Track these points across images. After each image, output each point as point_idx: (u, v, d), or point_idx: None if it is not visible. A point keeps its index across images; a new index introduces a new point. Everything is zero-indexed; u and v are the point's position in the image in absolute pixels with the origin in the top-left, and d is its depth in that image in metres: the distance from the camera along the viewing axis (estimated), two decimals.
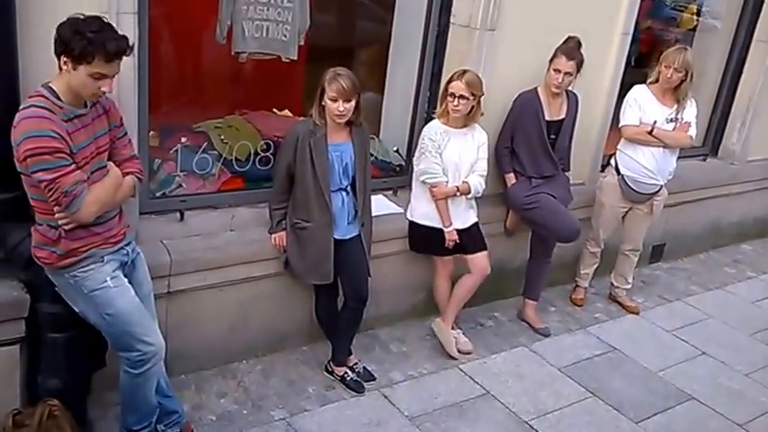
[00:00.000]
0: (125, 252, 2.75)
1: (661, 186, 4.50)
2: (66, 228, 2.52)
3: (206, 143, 3.70)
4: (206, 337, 3.50)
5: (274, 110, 4.33)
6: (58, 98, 2.45)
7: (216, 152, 3.75)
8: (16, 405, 2.84)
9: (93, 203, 2.51)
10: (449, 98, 3.70)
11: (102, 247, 2.64)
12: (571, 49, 3.99)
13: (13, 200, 2.63)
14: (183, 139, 3.65)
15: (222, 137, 3.86)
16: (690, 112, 4.42)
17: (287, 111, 4.37)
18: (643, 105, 4.37)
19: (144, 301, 2.77)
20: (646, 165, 4.38)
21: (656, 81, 4.37)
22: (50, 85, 2.48)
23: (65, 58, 2.40)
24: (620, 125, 4.45)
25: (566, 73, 3.98)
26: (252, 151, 3.79)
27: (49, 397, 2.77)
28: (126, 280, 2.71)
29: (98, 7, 2.70)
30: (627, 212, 4.64)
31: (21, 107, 2.44)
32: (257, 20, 3.71)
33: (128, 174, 2.69)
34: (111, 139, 2.66)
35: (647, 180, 4.43)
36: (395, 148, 4.36)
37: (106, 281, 2.63)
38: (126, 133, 2.74)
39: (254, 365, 3.70)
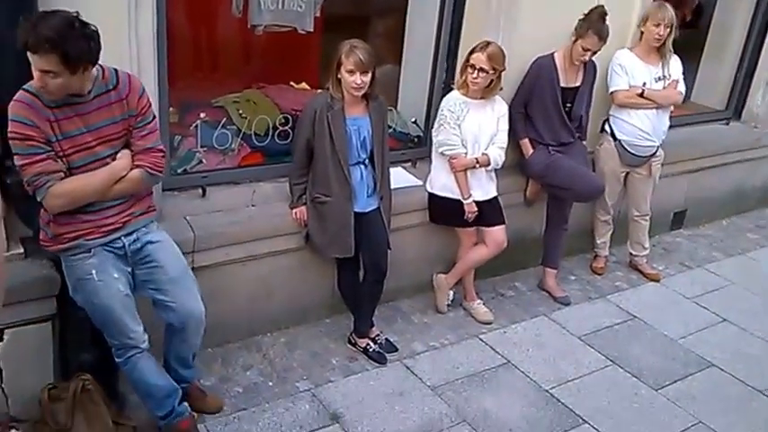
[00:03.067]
0: (119, 244, 2.68)
1: (658, 147, 4.49)
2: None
3: (225, 118, 3.71)
4: (230, 311, 3.56)
5: (291, 83, 4.33)
6: None
7: (235, 127, 3.76)
8: (51, 380, 2.94)
9: (58, 196, 2.47)
10: (469, 70, 3.67)
11: (89, 237, 2.61)
12: (603, 27, 3.93)
13: None
14: (202, 115, 3.66)
15: (241, 111, 3.87)
16: (675, 67, 4.42)
17: (304, 83, 4.37)
18: (629, 69, 4.33)
19: (175, 283, 2.77)
20: (641, 127, 4.37)
21: (640, 41, 4.34)
22: None
23: None
24: (609, 92, 4.41)
25: (594, 51, 3.96)
26: (270, 126, 3.80)
27: (81, 372, 2.87)
28: (115, 273, 2.65)
29: None
30: (626, 177, 4.62)
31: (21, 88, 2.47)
32: None
33: (138, 166, 2.63)
34: (127, 128, 2.62)
35: (644, 142, 4.42)
36: (413, 120, 4.34)
37: (91, 273, 2.62)
38: (148, 122, 2.66)
39: (278, 338, 3.76)
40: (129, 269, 2.73)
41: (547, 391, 3.57)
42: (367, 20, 4.70)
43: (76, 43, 2.31)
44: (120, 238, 2.67)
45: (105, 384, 2.92)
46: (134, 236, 2.72)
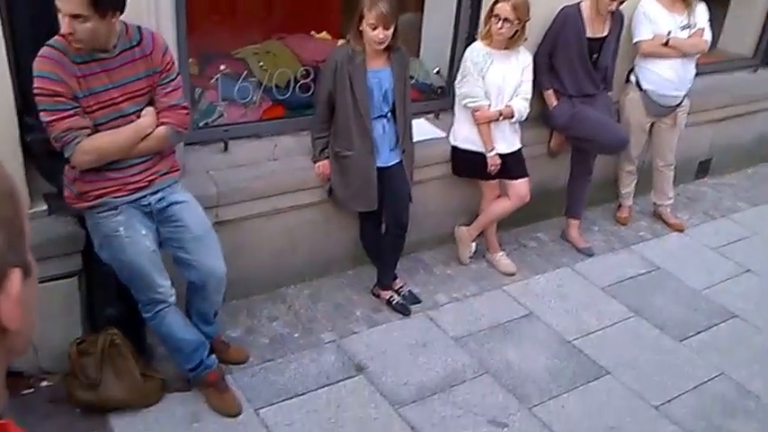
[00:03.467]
0: (146, 202, 2.69)
1: (684, 97, 4.39)
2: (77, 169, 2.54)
3: (246, 71, 3.67)
4: (255, 264, 3.59)
5: (312, 32, 4.26)
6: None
7: (256, 80, 3.72)
8: (79, 334, 3.00)
9: (86, 152, 2.47)
10: (493, 20, 3.58)
11: (115, 195, 2.61)
12: None
13: None
14: (222, 67, 3.62)
15: (261, 63, 3.82)
16: (701, 15, 4.28)
17: (325, 33, 4.29)
18: (654, 18, 4.20)
19: (198, 242, 2.78)
20: (667, 77, 4.27)
21: None
22: None
23: None
24: (633, 41, 4.29)
25: (621, 1, 3.84)
26: (292, 78, 3.75)
27: (109, 326, 2.92)
28: (143, 230, 2.66)
29: None
30: (651, 127, 4.54)
31: (45, 44, 2.44)
32: None
33: (163, 123, 2.62)
34: (151, 85, 2.60)
35: (671, 92, 4.33)
36: (436, 70, 4.27)
37: (119, 230, 2.62)
38: (172, 79, 2.64)
39: (302, 290, 3.80)
40: (155, 226, 2.74)
41: (569, 342, 3.59)
42: None
43: None
44: (146, 196, 2.68)
45: (132, 338, 2.97)
46: (159, 195, 2.72)
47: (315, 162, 3.52)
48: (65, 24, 2.32)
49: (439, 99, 4.22)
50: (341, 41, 4.16)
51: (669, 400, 3.25)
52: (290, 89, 3.75)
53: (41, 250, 2.71)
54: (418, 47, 4.38)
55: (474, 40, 3.88)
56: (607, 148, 4.27)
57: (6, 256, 0.68)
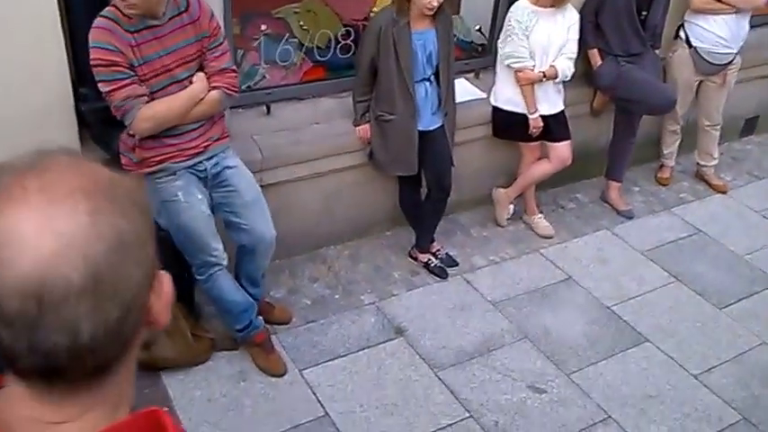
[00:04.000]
0: (202, 167, 2.75)
1: (735, 55, 4.24)
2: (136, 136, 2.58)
3: (287, 33, 3.64)
4: (295, 226, 3.63)
5: None
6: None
7: (296, 40, 3.69)
8: None
9: (146, 120, 2.51)
10: None
11: (175, 160, 2.67)
12: None
13: None
14: (263, 27, 3.60)
15: (301, 23, 3.78)
16: None
17: None
18: None
19: (249, 207, 2.85)
20: (719, 34, 4.11)
21: None
22: None
23: None
24: None
25: None
26: (332, 38, 3.71)
27: None
28: (199, 195, 2.73)
29: None
30: (699, 85, 4.41)
31: (98, 15, 2.46)
32: None
33: (215, 88, 2.65)
34: (201, 50, 2.62)
35: (722, 50, 4.17)
36: (477, 27, 4.18)
37: (177, 195, 2.68)
38: (220, 44, 2.66)
39: (342, 251, 3.85)
40: (208, 191, 2.81)
41: (608, 307, 3.60)
42: None
43: None
44: (202, 161, 2.75)
45: (183, 300, 3.06)
46: (214, 160, 2.78)
47: (356, 125, 3.51)
48: None
49: (480, 57, 4.15)
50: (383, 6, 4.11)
51: (709, 369, 3.27)
52: (331, 50, 3.71)
53: None
54: (458, 3, 4.28)
55: None
56: (654, 110, 4.18)
57: (155, 260, 0.74)
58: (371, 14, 3.92)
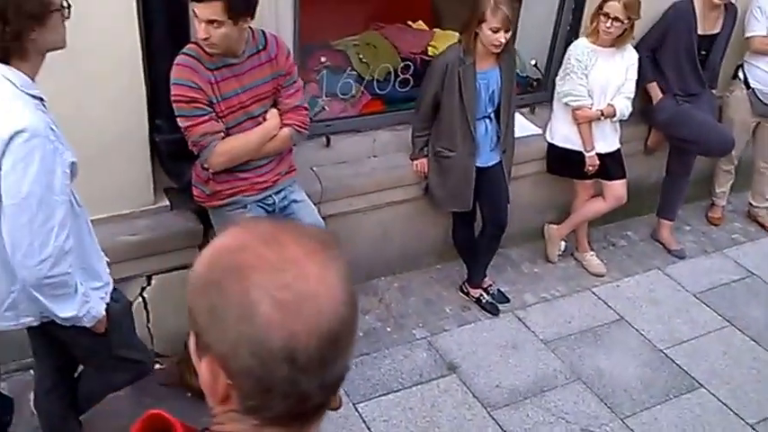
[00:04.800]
0: (271, 201, 2.81)
1: None
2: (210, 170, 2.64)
3: (349, 67, 3.68)
4: (349, 256, 3.64)
5: (408, 22, 4.23)
6: None
7: (356, 73, 3.73)
8: None
9: (221, 155, 2.58)
10: (601, 18, 3.49)
11: (246, 194, 2.74)
12: None
13: None
14: (323, 59, 3.65)
15: (361, 56, 3.82)
16: None
17: (420, 22, 4.25)
18: None
19: None
20: None
21: None
22: None
23: None
24: (745, 36, 4.10)
25: None
26: (392, 71, 3.74)
27: None
28: None
29: None
30: (756, 127, 4.37)
31: (179, 52, 2.54)
32: None
33: (287, 125, 2.71)
34: (276, 88, 2.68)
35: None
36: (533, 62, 4.18)
37: None
38: (294, 82, 2.73)
39: (392, 282, 3.86)
40: None
41: (661, 350, 3.57)
42: None
43: None
44: (271, 195, 2.80)
45: None
46: (282, 194, 2.85)
47: (413, 159, 3.53)
48: (201, 30, 2.40)
49: (535, 92, 4.15)
50: (436, 30, 4.15)
51: (765, 419, 3.21)
52: (390, 83, 3.74)
53: (164, 243, 2.87)
54: (514, 36, 4.28)
55: (576, 32, 3.79)
56: (711, 152, 4.17)
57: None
58: (429, 48, 3.97)
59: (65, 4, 1.83)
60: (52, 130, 1.83)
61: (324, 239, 0.82)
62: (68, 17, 1.85)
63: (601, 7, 3.51)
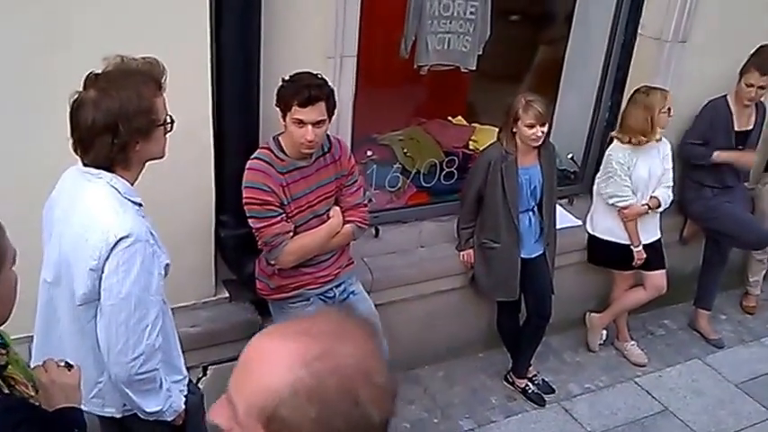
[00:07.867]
0: (332, 294, 2.91)
1: None
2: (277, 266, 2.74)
3: (396, 163, 3.83)
4: (394, 346, 3.66)
5: (449, 118, 4.40)
6: (282, 150, 2.66)
7: (401, 166, 3.88)
8: None
9: (291, 253, 2.69)
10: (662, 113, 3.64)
11: (309, 287, 2.84)
12: (764, 61, 3.81)
13: (250, 234, 2.85)
14: (369, 153, 3.80)
15: (405, 150, 3.98)
16: None
17: (460, 117, 4.43)
18: None
19: None
20: None
21: None
22: (278, 137, 2.69)
23: (278, 110, 2.59)
24: None
25: (759, 87, 3.84)
26: (437, 165, 3.89)
27: None
28: None
29: (324, 52, 2.86)
30: None
31: (251, 157, 2.67)
32: (440, 33, 3.74)
33: (349, 222, 2.84)
34: (338, 187, 2.82)
35: None
36: (570, 155, 4.33)
37: None
38: (355, 181, 2.87)
39: (436, 371, 3.88)
40: None
41: None
42: (519, 50, 4.69)
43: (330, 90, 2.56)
44: (331, 288, 2.89)
45: None
46: (342, 287, 2.94)
47: (460, 251, 3.63)
48: (309, 133, 2.54)
49: (573, 184, 4.28)
50: (476, 125, 4.33)
51: None
52: (436, 177, 3.88)
53: (222, 335, 2.93)
54: (550, 130, 4.44)
55: (612, 126, 3.94)
56: (748, 246, 4.26)
57: None
58: (471, 142, 4.14)
59: (168, 119, 1.97)
60: (151, 234, 1.94)
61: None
62: (171, 131, 1.99)
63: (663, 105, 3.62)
